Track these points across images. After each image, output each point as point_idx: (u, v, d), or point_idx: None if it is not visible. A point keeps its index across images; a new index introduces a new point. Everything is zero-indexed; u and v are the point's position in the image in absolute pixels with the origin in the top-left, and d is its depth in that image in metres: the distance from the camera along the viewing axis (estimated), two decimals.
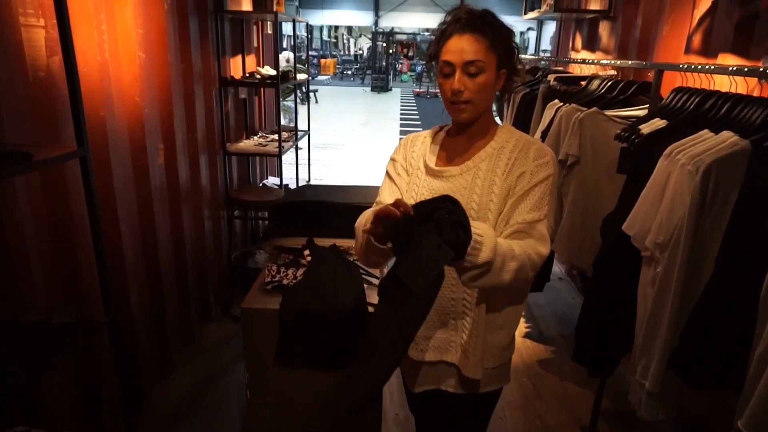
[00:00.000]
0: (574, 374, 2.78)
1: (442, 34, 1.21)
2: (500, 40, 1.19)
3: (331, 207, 2.39)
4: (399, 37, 24.79)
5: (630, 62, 2.30)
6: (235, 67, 3.67)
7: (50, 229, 1.85)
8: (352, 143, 9.72)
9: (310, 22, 4.36)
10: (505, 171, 1.23)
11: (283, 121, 3.97)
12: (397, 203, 1.03)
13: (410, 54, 25.75)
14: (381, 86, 20.76)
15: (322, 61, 24.98)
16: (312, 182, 5.25)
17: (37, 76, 1.73)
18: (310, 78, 4.69)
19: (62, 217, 1.89)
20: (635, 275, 1.68)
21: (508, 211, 1.21)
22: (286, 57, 9.19)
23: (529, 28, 17.95)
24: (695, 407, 1.56)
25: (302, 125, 4.38)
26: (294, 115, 4.07)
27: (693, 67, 1.73)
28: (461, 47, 1.17)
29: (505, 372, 1.40)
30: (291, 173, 4.58)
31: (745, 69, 1.52)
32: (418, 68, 24.11)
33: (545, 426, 2.47)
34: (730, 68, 1.59)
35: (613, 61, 2.57)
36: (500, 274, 1.09)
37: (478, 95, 1.20)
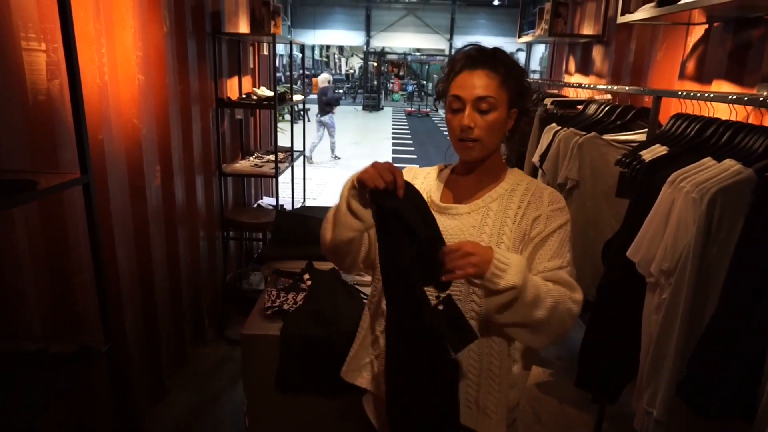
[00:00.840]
0: (573, 397, 2.76)
1: (452, 70, 1.17)
2: (513, 78, 1.16)
3: None
4: (390, 56, 25.07)
5: (628, 88, 2.33)
6: (232, 89, 3.68)
7: (45, 254, 1.81)
8: (345, 162, 9.74)
9: (299, 43, 4.38)
10: (518, 214, 1.19)
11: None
12: (394, 173, 1.04)
13: (401, 74, 26.04)
14: (372, 105, 20.91)
15: (314, 80, 25.13)
16: (306, 202, 5.23)
17: (37, 99, 1.72)
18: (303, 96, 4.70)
19: (58, 241, 1.86)
20: (639, 301, 1.68)
21: (529, 259, 1.14)
22: (327, 78, 9.49)
23: (518, 49, 18.25)
24: None
25: (295, 144, 4.37)
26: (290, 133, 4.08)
27: (692, 94, 1.75)
28: (472, 83, 1.13)
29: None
30: (285, 192, 4.56)
31: (745, 98, 1.54)
32: (409, 88, 24.35)
33: None
34: (730, 96, 1.61)
35: (611, 87, 2.61)
36: (533, 309, 1.03)
37: (487, 133, 1.14)
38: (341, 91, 26.28)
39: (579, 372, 2.01)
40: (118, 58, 2.20)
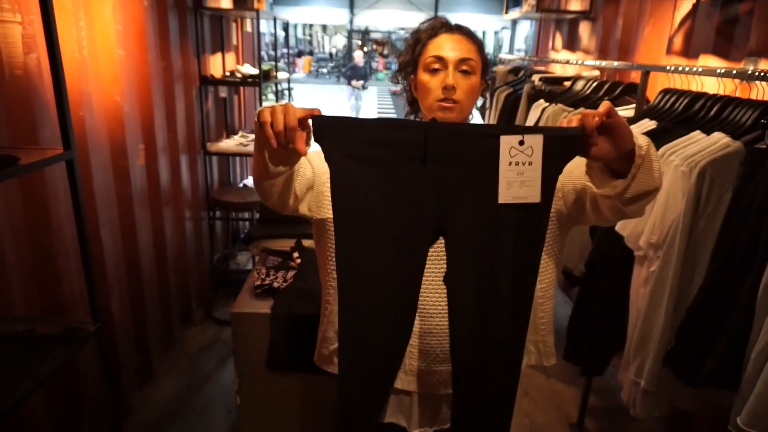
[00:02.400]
0: (560, 372, 2.81)
1: (423, 38, 1.14)
2: (482, 50, 1.16)
3: None
4: (374, 35, 24.75)
5: (616, 63, 2.32)
6: (215, 66, 3.60)
7: (28, 235, 1.77)
8: None
9: (283, 19, 4.29)
10: None
11: None
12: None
13: (385, 52, 25.74)
14: None
15: (296, 60, 24.76)
16: None
17: (13, 74, 1.66)
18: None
19: (40, 222, 1.81)
20: (627, 275, 1.70)
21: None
22: (361, 55, 10.59)
23: (503, 27, 18.12)
24: (687, 404, 1.59)
25: None
26: None
27: (680, 69, 1.75)
28: (453, 45, 1.10)
29: None
30: None
31: (734, 72, 1.54)
32: (394, 67, 24.07)
33: (534, 424, 2.48)
34: (718, 70, 1.61)
35: (599, 62, 2.60)
36: (653, 168, 0.93)
37: (466, 96, 1.11)
38: (325, 70, 25.95)
39: (567, 345, 2.04)
40: (96, 32, 2.12)
